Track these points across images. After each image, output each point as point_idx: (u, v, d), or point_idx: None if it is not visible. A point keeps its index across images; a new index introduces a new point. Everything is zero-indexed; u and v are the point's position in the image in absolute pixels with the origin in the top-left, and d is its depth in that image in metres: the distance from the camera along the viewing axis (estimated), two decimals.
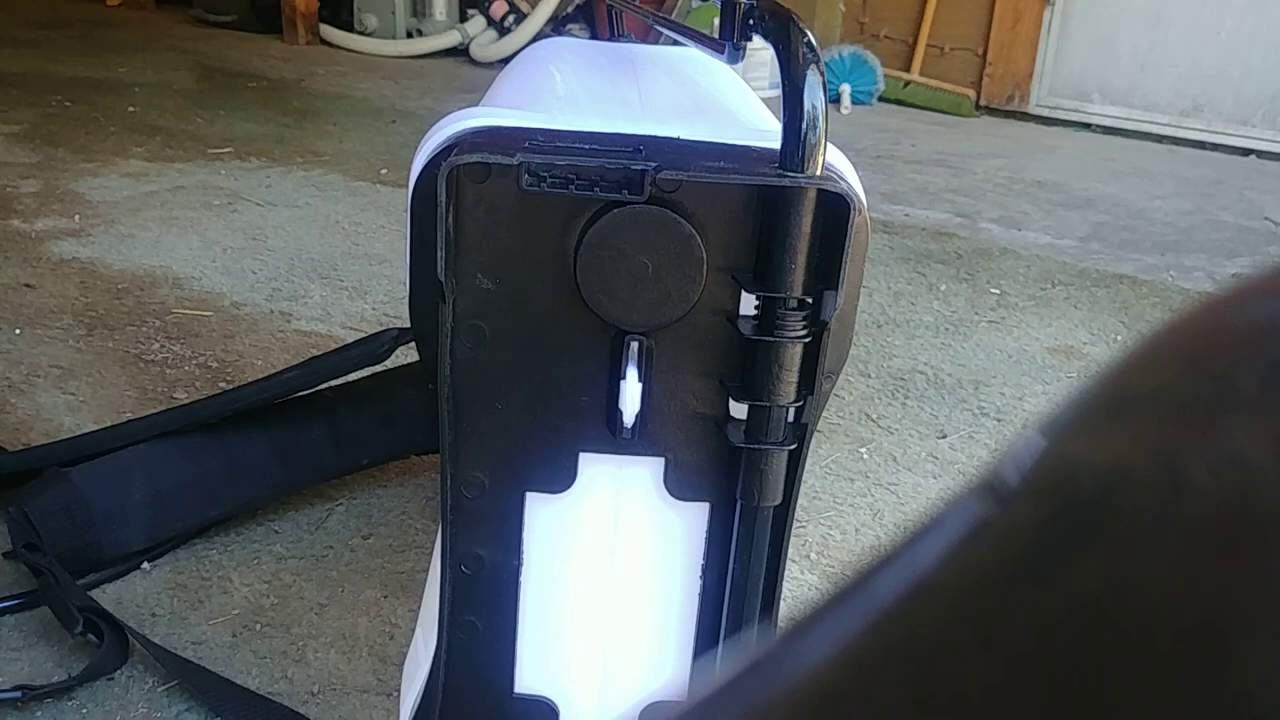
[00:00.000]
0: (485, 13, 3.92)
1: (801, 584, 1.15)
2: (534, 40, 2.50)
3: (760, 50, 0.58)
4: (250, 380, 1.24)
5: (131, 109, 2.97)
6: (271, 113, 3.04)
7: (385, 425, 1.24)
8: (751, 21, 0.55)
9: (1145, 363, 0.15)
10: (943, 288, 2.04)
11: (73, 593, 1.01)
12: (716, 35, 0.61)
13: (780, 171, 0.50)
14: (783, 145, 0.50)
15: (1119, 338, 1.85)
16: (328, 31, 4.09)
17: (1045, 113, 3.67)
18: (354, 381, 1.27)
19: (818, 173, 0.50)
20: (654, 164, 0.50)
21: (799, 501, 0.60)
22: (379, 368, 1.29)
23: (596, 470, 0.59)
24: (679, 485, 0.59)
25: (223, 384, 1.49)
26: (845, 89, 3.62)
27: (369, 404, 1.24)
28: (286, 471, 1.19)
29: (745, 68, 0.64)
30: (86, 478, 1.10)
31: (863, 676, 0.14)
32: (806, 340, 0.54)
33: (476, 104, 0.63)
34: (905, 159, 3.00)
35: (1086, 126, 3.59)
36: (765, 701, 0.15)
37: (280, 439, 1.18)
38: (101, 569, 1.10)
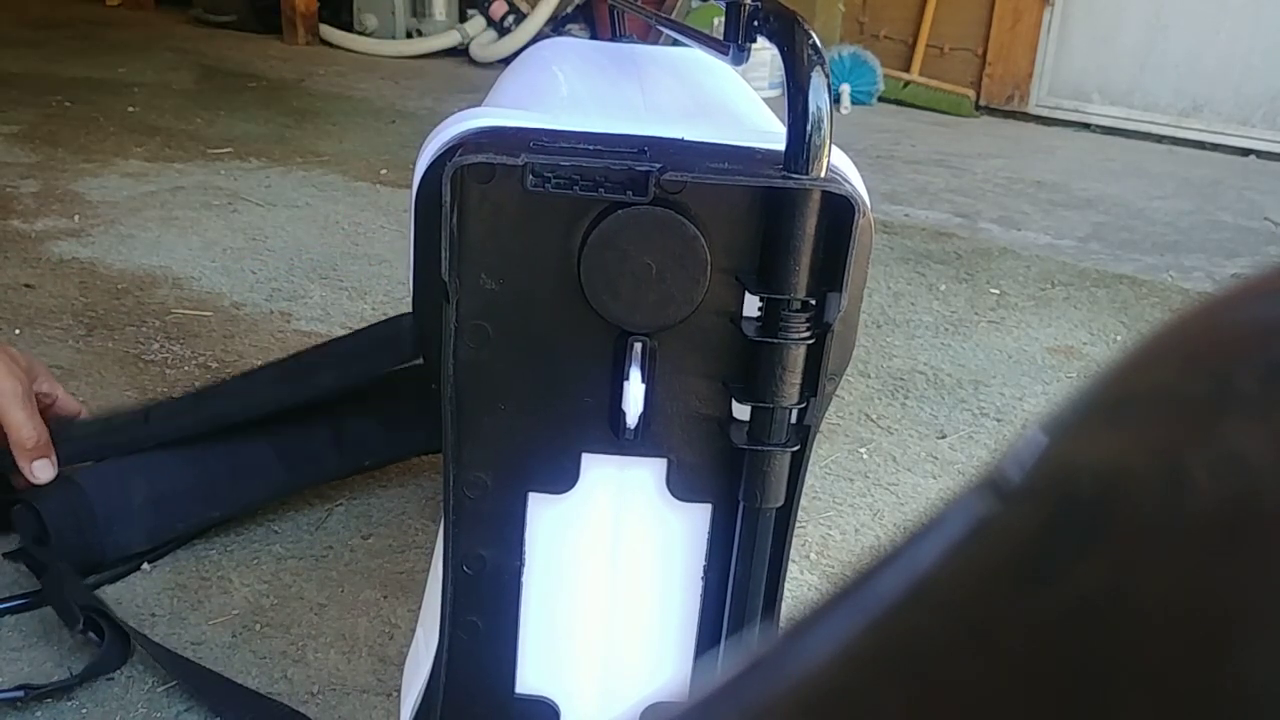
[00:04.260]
0: (485, 13, 3.91)
1: (801, 584, 1.16)
2: (534, 40, 2.50)
3: (760, 50, 0.58)
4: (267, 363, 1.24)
5: (131, 109, 2.97)
6: (271, 113, 3.04)
7: (388, 427, 1.24)
8: (756, 23, 0.55)
9: (1145, 362, 0.15)
10: (942, 288, 2.04)
11: (77, 590, 1.01)
12: (719, 36, 0.61)
13: (785, 173, 0.50)
14: (787, 147, 0.50)
15: (1119, 338, 1.86)
16: (327, 32, 4.09)
17: (1045, 113, 3.67)
18: (356, 383, 1.27)
19: (822, 175, 0.50)
20: (659, 165, 0.50)
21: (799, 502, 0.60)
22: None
23: (599, 471, 0.59)
24: (681, 486, 0.59)
25: None
26: (845, 89, 3.62)
27: (371, 405, 1.24)
28: (289, 474, 1.19)
29: (744, 68, 0.64)
30: (91, 479, 1.10)
31: (862, 676, 0.14)
32: (810, 342, 0.54)
33: (478, 104, 0.63)
34: (905, 159, 3.00)
35: (1086, 126, 3.60)
36: (764, 701, 0.15)
37: (283, 442, 1.18)
38: (102, 570, 1.10)
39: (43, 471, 0.98)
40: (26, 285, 1.78)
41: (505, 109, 0.57)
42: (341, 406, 1.22)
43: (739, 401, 0.56)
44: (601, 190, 0.50)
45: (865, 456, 1.42)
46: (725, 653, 0.62)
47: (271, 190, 2.35)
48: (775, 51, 0.52)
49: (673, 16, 3.05)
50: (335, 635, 1.04)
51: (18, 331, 1.61)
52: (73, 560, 1.06)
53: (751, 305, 0.54)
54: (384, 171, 2.52)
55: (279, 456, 1.18)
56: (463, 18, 4.06)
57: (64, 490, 1.09)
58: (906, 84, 3.75)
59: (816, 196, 0.50)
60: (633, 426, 0.56)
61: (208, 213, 2.19)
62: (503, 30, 3.87)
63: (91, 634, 0.98)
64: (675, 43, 0.81)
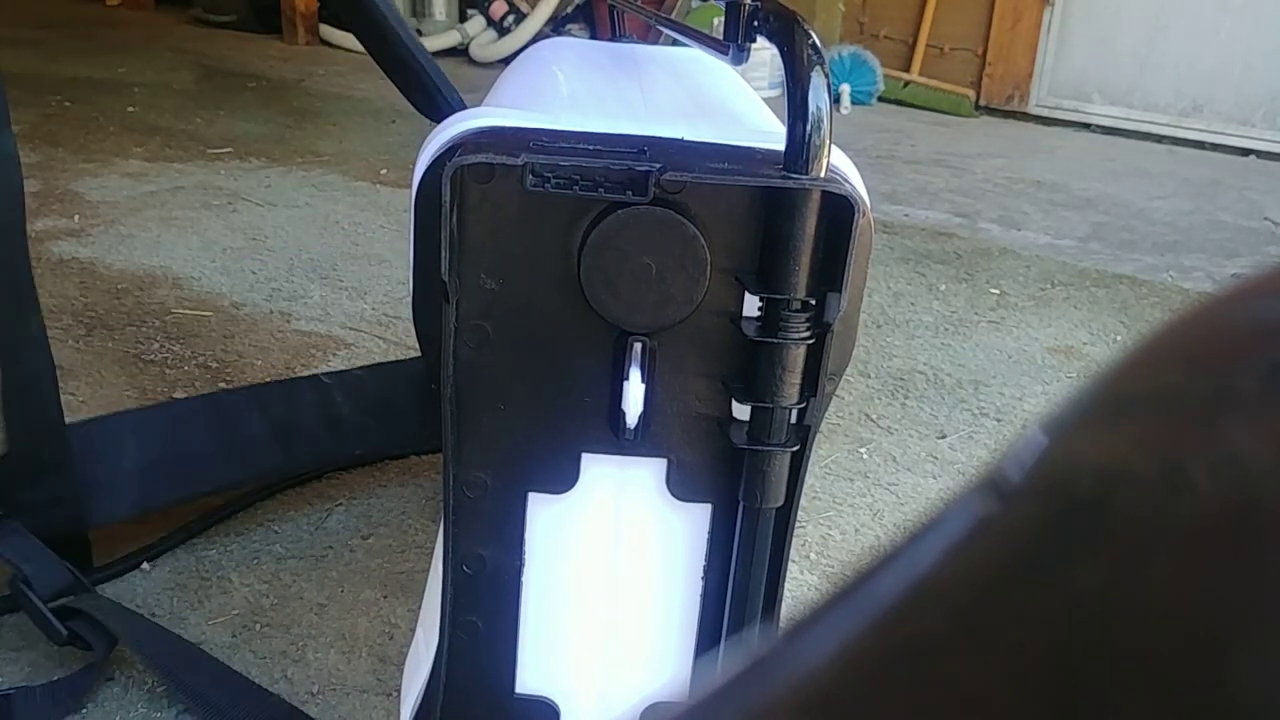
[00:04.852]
0: (485, 13, 3.91)
1: (801, 584, 1.16)
2: (534, 40, 2.50)
3: (760, 50, 0.58)
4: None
5: (131, 109, 2.97)
6: (271, 113, 3.04)
7: (381, 417, 1.24)
8: (756, 23, 0.55)
9: (1145, 363, 0.15)
10: (942, 288, 2.04)
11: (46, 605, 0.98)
12: (719, 36, 0.61)
13: (784, 173, 0.50)
14: (787, 147, 0.50)
15: (1119, 338, 1.86)
16: (328, 31, 4.09)
17: (1045, 113, 3.67)
18: (349, 370, 1.26)
19: (822, 175, 0.50)
20: (658, 165, 0.50)
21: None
22: (375, 360, 1.29)
23: (599, 471, 0.59)
24: (681, 486, 0.59)
25: (222, 384, 1.49)
26: (845, 89, 3.62)
27: (365, 394, 1.24)
28: (282, 452, 1.17)
29: (744, 67, 0.64)
30: (80, 440, 1.05)
31: (863, 677, 0.14)
32: (810, 342, 0.54)
33: (478, 104, 0.63)
34: (905, 159, 3.00)
35: (1086, 126, 3.60)
36: (765, 702, 0.15)
37: (275, 418, 1.17)
38: (85, 540, 1.06)
39: None
40: None
41: (505, 109, 0.57)
42: (334, 390, 1.22)
43: (739, 401, 0.56)
44: (601, 190, 0.50)
45: (865, 456, 1.42)
46: (725, 653, 0.62)
47: (271, 190, 2.35)
48: (775, 51, 0.52)
49: (672, 16, 3.04)
50: (335, 635, 1.04)
51: None
52: (53, 531, 1.02)
53: (751, 305, 0.54)
54: (384, 171, 2.52)
55: (273, 433, 1.17)
56: (463, 18, 4.06)
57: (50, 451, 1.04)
58: (906, 84, 3.75)
59: (816, 196, 0.50)
60: (633, 426, 0.56)
61: (208, 213, 2.19)
62: (503, 30, 3.87)
63: (78, 643, 0.97)
64: (675, 42, 0.81)
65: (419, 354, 1.38)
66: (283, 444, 1.18)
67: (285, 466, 1.20)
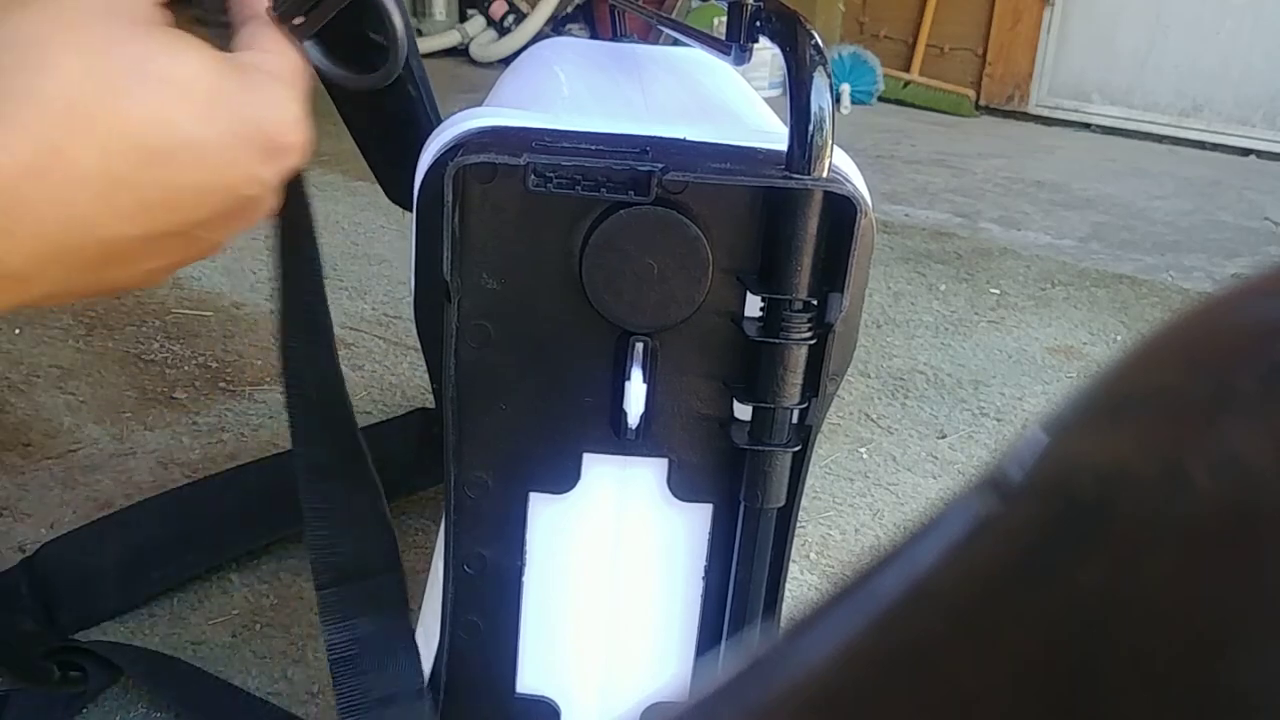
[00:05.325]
0: (485, 13, 3.92)
1: (801, 584, 1.16)
2: (534, 40, 2.50)
3: (761, 50, 0.58)
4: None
5: None
6: None
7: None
8: (758, 23, 0.55)
9: (1145, 363, 0.15)
10: (942, 288, 2.04)
11: (39, 644, 0.96)
12: (720, 35, 0.61)
13: (786, 173, 0.50)
14: (789, 147, 0.50)
15: (1119, 338, 1.86)
16: None
17: (1045, 113, 3.67)
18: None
19: (824, 175, 0.50)
20: (660, 165, 0.50)
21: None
22: (375, 358, 1.27)
23: (600, 471, 0.59)
24: (682, 486, 0.59)
25: (222, 384, 1.49)
26: (845, 89, 3.62)
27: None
28: (270, 530, 1.13)
29: (745, 67, 0.64)
30: (53, 553, 1.03)
31: (864, 677, 0.14)
32: (811, 342, 0.54)
33: (478, 104, 0.63)
34: (905, 159, 3.00)
35: (1086, 126, 3.60)
36: (765, 702, 0.15)
37: (256, 490, 1.14)
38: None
39: None
40: None
41: (506, 109, 0.57)
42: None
43: (740, 401, 0.56)
44: (603, 190, 0.50)
45: (865, 456, 1.42)
46: (726, 653, 0.62)
47: None
48: (775, 51, 0.52)
49: (673, 16, 3.04)
50: None
51: (18, 331, 1.61)
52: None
53: (753, 305, 0.54)
54: None
55: (246, 504, 1.14)
56: (463, 18, 4.06)
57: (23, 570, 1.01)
58: (906, 84, 3.75)
59: (818, 197, 0.51)
60: (634, 426, 0.56)
61: None
62: (503, 30, 3.87)
63: (71, 672, 0.96)
64: (676, 42, 0.81)
65: (407, 409, 1.36)
66: (267, 520, 1.13)
67: (273, 530, 1.15)
